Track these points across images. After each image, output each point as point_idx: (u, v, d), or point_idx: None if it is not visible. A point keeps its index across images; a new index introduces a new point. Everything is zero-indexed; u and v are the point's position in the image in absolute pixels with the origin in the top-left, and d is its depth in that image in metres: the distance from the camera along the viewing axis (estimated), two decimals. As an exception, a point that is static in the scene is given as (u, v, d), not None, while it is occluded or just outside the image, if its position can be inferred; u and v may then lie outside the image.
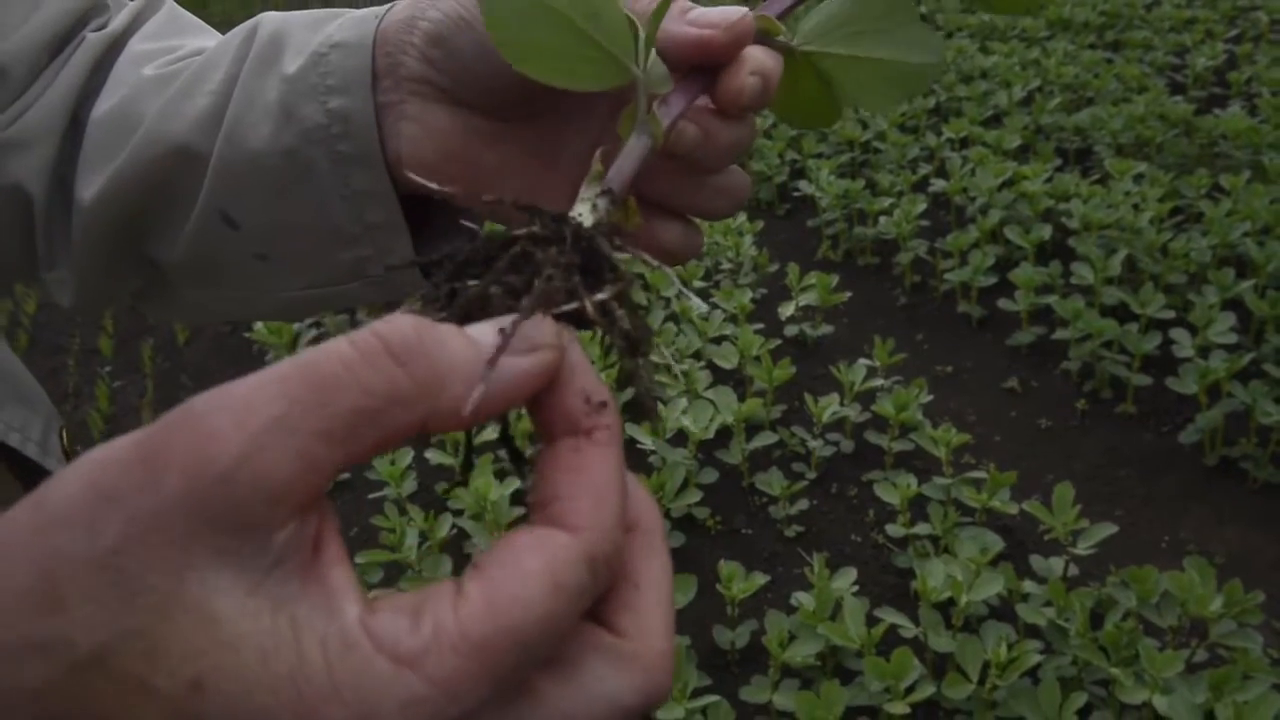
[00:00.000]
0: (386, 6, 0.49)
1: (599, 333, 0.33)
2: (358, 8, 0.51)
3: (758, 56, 0.42)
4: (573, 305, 0.32)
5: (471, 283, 0.32)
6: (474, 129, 0.48)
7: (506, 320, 0.29)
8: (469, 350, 0.28)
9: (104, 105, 0.54)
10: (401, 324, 0.27)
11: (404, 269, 0.52)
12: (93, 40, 0.56)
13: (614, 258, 0.34)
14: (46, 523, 0.25)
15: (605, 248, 0.34)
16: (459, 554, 2.06)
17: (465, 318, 0.31)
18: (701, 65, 0.42)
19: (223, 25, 0.61)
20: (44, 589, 0.24)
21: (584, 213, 0.37)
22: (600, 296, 0.32)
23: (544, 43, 0.38)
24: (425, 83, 0.47)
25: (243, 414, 0.25)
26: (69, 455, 0.60)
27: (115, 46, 0.57)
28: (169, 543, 0.24)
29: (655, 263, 0.37)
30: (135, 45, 0.57)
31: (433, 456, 2.33)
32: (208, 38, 0.59)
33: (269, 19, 0.53)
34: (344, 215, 0.50)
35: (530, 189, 0.49)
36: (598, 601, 0.29)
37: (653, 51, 0.41)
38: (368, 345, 0.26)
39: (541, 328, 0.29)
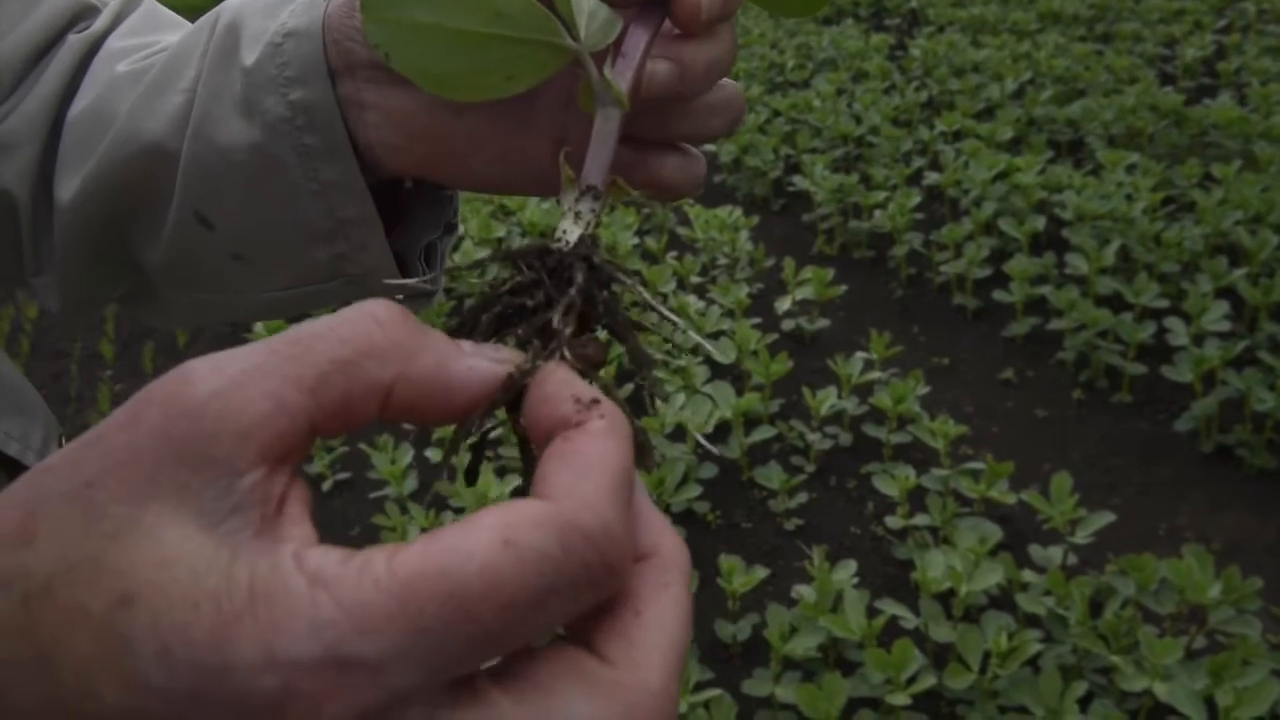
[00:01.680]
0: None
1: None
2: None
3: None
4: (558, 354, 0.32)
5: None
6: (436, 104, 0.46)
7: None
8: (446, 339, 0.29)
9: (79, 105, 0.53)
10: (387, 301, 0.28)
11: (383, 267, 0.51)
12: (74, 42, 0.56)
13: (596, 284, 0.33)
14: (41, 468, 0.26)
15: (583, 277, 0.33)
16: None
17: None
18: None
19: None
20: (22, 525, 0.25)
21: (568, 229, 0.35)
22: (577, 340, 0.32)
23: (465, 65, 0.36)
24: (377, 67, 0.46)
25: (224, 361, 0.26)
26: None
27: (96, 47, 0.56)
28: (138, 474, 0.24)
29: (649, 299, 0.35)
30: (113, 43, 0.56)
31: (433, 455, 2.34)
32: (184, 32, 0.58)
33: (229, 6, 0.51)
34: (315, 211, 0.49)
35: (508, 154, 0.47)
36: (588, 624, 0.26)
37: (584, 3, 0.37)
38: (351, 310, 0.27)
39: (509, 350, 0.30)
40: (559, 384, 0.29)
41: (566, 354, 0.31)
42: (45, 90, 0.54)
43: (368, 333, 0.27)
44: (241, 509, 0.25)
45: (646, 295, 0.35)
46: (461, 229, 3.10)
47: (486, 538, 0.23)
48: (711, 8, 0.38)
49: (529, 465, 0.33)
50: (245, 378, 0.25)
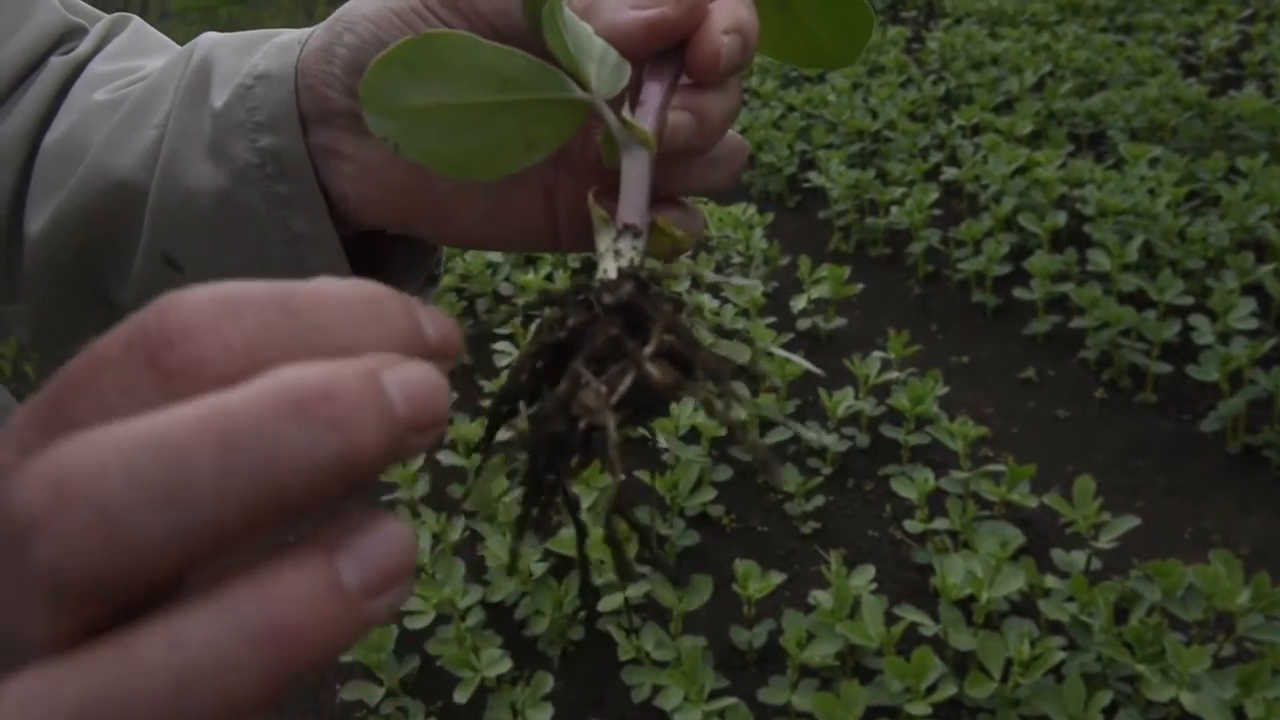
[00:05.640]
0: (310, 30, 0.45)
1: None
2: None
3: (728, 9, 0.36)
4: (629, 377, 0.28)
5: (519, 423, 0.29)
6: None
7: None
8: None
9: (54, 133, 0.51)
10: None
11: None
12: (56, 65, 0.54)
13: (655, 297, 0.30)
14: None
15: (638, 294, 0.30)
16: (471, 556, 2.05)
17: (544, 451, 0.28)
18: (666, 45, 0.37)
19: (230, 29, 0.59)
20: None
21: (609, 269, 0.33)
22: (649, 350, 0.28)
23: (481, 141, 0.34)
24: (354, 117, 0.43)
25: None
26: None
27: (79, 71, 0.54)
28: None
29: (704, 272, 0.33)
30: (95, 67, 0.54)
31: (445, 458, 2.31)
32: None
33: (204, 41, 0.50)
34: (284, 262, 0.47)
35: (494, 210, 0.45)
36: None
37: (594, 47, 0.35)
38: None
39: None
40: None
41: (648, 368, 0.28)
42: (24, 114, 0.52)
43: None
44: None
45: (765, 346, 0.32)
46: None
47: None
48: (730, 58, 0.36)
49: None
50: None
